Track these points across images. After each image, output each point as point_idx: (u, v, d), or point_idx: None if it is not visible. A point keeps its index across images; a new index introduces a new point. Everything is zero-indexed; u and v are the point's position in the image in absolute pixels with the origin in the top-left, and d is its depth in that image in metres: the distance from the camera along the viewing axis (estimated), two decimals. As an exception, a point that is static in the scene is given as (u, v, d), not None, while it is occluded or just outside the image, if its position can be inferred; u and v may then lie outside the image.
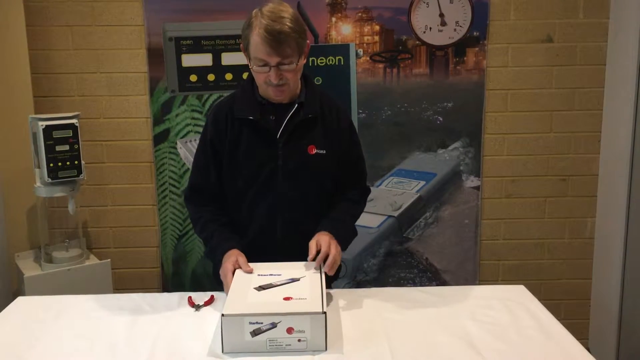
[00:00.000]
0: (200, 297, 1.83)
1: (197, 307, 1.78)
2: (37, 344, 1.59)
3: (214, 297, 1.83)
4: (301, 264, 1.79)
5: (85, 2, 2.89)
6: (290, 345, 1.49)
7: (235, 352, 1.49)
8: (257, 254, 1.84)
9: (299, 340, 1.49)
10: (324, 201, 1.97)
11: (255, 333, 1.48)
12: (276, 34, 1.69)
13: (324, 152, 1.89)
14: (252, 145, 1.87)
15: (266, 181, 1.87)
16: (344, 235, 1.90)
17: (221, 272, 1.80)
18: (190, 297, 1.83)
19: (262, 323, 1.47)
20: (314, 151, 1.88)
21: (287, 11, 1.75)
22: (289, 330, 1.48)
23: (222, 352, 1.49)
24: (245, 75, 2.93)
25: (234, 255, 1.80)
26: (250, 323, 1.47)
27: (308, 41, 1.81)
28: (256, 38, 1.71)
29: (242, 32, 1.78)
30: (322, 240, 1.78)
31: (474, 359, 1.48)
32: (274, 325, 1.47)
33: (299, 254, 1.81)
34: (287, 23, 1.71)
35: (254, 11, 1.75)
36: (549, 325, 1.65)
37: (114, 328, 1.66)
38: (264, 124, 1.85)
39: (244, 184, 1.90)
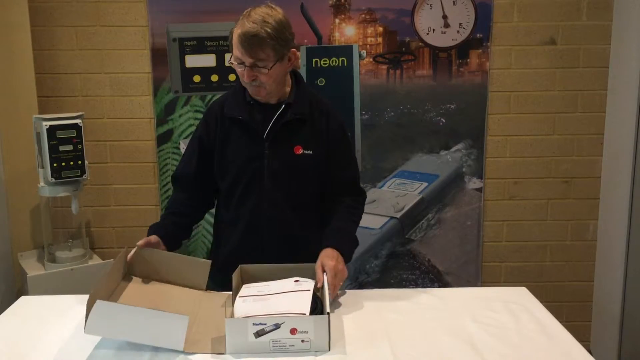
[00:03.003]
0: None
1: None
2: (40, 343, 1.59)
3: None
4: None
5: (89, 3, 2.90)
6: (293, 345, 1.49)
7: (239, 353, 1.49)
8: (245, 253, 1.87)
9: (303, 341, 1.49)
10: (310, 203, 1.97)
11: (258, 334, 1.48)
12: (250, 37, 1.72)
13: (311, 152, 1.90)
14: (240, 144, 1.90)
15: (252, 180, 1.90)
16: (349, 248, 1.90)
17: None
18: None
19: (265, 324, 1.48)
20: (300, 151, 1.90)
21: (274, 16, 1.76)
22: (293, 331, 1.48)
23: (225, 352, 1.50)
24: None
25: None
26: (254, 324, 1.48)
27: (294, 49, 1.82)
28: (235, 37, 1.76)
29: (231, 29, 1.83)
30: (327, 266, 1.74)
31: (475, 360, 1.48)
32: (277, 326, 1.48)
33: (285, 254, 1.84)
34: (267, 28, 1.73)
35: (246, 10, 1.79)
36: (551, 328, 1.65)
37: (117, 328, 1.67)
38: (251, 124, 1.88)
39: (231, 182, 1.93)
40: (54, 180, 2.61)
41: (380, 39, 2.97)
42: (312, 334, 1.48)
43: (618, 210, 2.96)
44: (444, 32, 2.97)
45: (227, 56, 2.92)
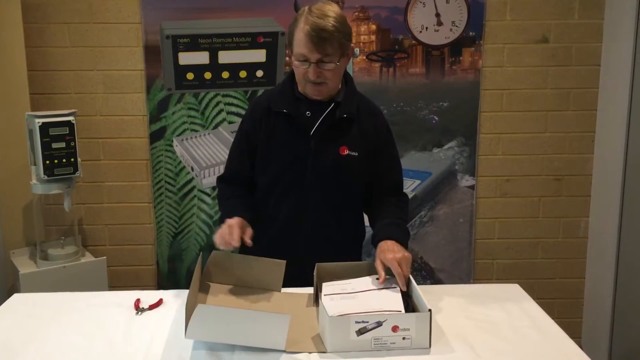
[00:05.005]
0: (147, 299, 1.80)
1: (142, 311, 1.74)
2: (33, 340, 1.59)
3: (162, 300, 1.81)
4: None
5: (82, 0, 2.89)
6: (394, 343, 1.49)
7: (340, 351, 1.48)
8: (282, 250, 1.82)
9: (404, 339, 1.50)
10: (349, 204, 1.97)
11: (360, 332, 1.48)
12: (319, 31, 1.72)
13: (356, 154, 1.89)
14: (286, 139, 1.88)
15: (295, 177, 1.88)
16: (403, 237, 1.86)
17: (227, 221, 1.78)
18: (138, 300, 1.78)
19: (367, 322, 1.48)
20: (346, 152, 1.88)
21: (334, 10, 1.78)
22: (394, 329, 1.49)
23: (327, 351, 1.49)
24: (242, 74, 2.95)
25: (239, 221, 1.79)
26: (356, 322, 1.48)
27: (353, 44, 1.83)
28: (300, 34, 1.75)
29: (289, 28, 1.82)
30: (386, 260, 1.72)
31: (468, 356, 1.49)
32: (379, 324, 1.48)
33: (322, 255, 1.81)
34: (332, 22, 1.74)
35: (302, 8, 1.79)
36: (542, 324, 1.67)
37: (111, 325, 1.67)
38: (298, 119, 1.86)
39: (273, 177, 1.91)
40: (46, 177, 2.60)
41: (373, 37, 2.97)
42: (414, 331, 1.49)
43: (609, 208, 2.98)
44: (437, 30, 2.98)
45: (222, 54, 2.92)
